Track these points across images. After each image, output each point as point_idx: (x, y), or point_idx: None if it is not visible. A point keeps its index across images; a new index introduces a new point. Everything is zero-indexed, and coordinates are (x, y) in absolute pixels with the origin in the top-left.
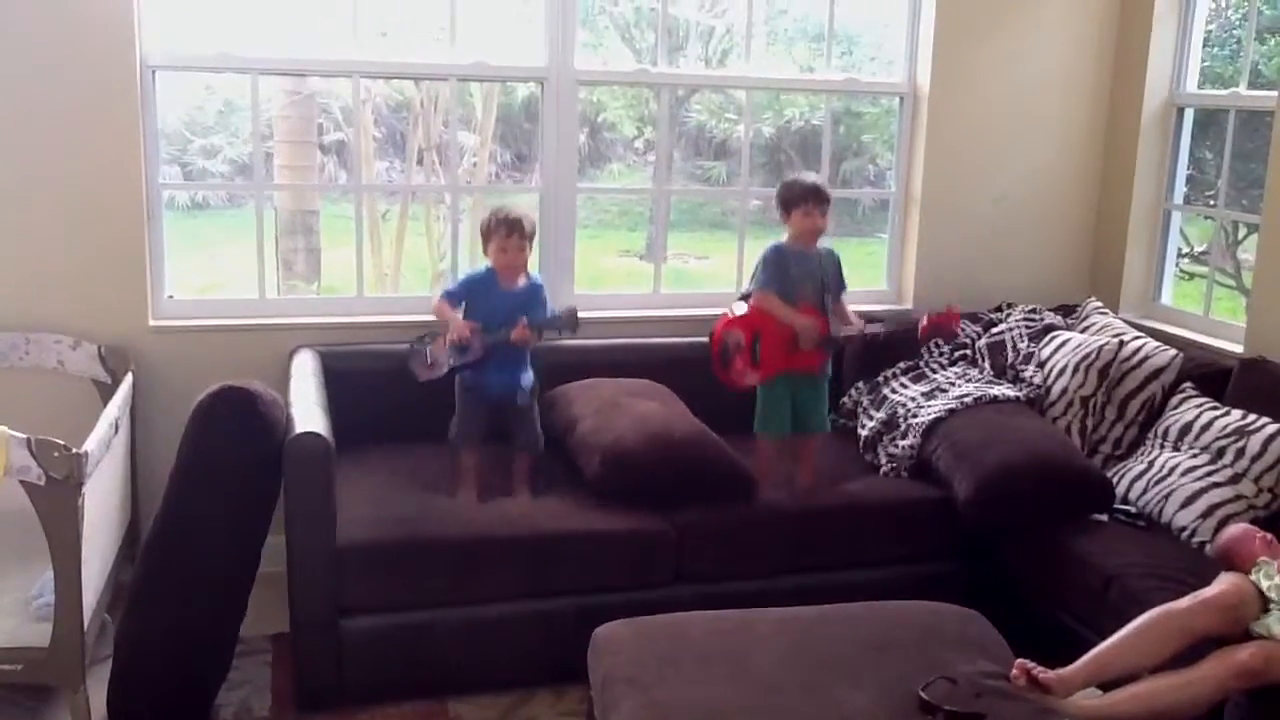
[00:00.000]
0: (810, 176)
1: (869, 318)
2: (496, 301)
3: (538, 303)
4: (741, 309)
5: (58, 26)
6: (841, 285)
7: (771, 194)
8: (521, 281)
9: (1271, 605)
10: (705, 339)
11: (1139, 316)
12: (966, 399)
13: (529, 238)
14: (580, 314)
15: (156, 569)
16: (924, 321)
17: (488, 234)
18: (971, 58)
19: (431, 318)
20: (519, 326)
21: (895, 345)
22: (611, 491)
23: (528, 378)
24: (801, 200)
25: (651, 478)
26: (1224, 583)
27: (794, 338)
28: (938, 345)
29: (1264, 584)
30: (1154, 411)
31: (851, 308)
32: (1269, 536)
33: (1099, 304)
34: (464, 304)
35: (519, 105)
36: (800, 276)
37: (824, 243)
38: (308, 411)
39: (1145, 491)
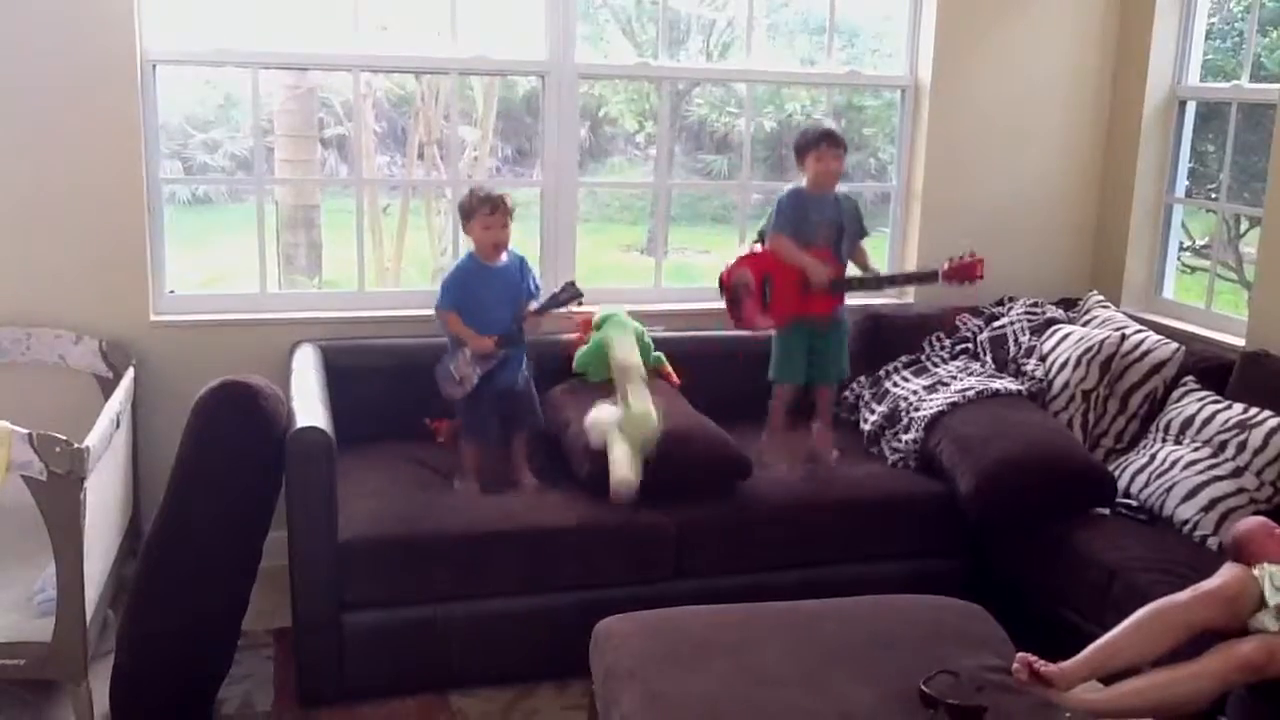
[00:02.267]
0: (824, 122)
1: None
2: (489, 283)
3: (527, 274)
4: (747, 253)
5: (58, 21)
6: (861, 231)
7: (773, 188)
8: (504, 258)
9: (1268, 604)
10: (706, 333)
11: (1141, 310)
12: (968, 393)
13: (510, 213)
14: (582, 308)
15: (158, 564)
16: (945, 267)
17: (469, 212)
18: (973, 51)
19: (425, 313)
20: (527, 317)
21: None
22: (605, 492)
23: (525, 361)
24: (815, 144)
25: (644, 473)
26: (1224, 575)
27: (804, 280)
28: (939, 339)
29: (1267, 586)
30: (1156, 405)
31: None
32: None
33: (1101, 297)
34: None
35: (520, 99)
36: (818, 221)
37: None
38: (309, 406)
39: (1147, 485)
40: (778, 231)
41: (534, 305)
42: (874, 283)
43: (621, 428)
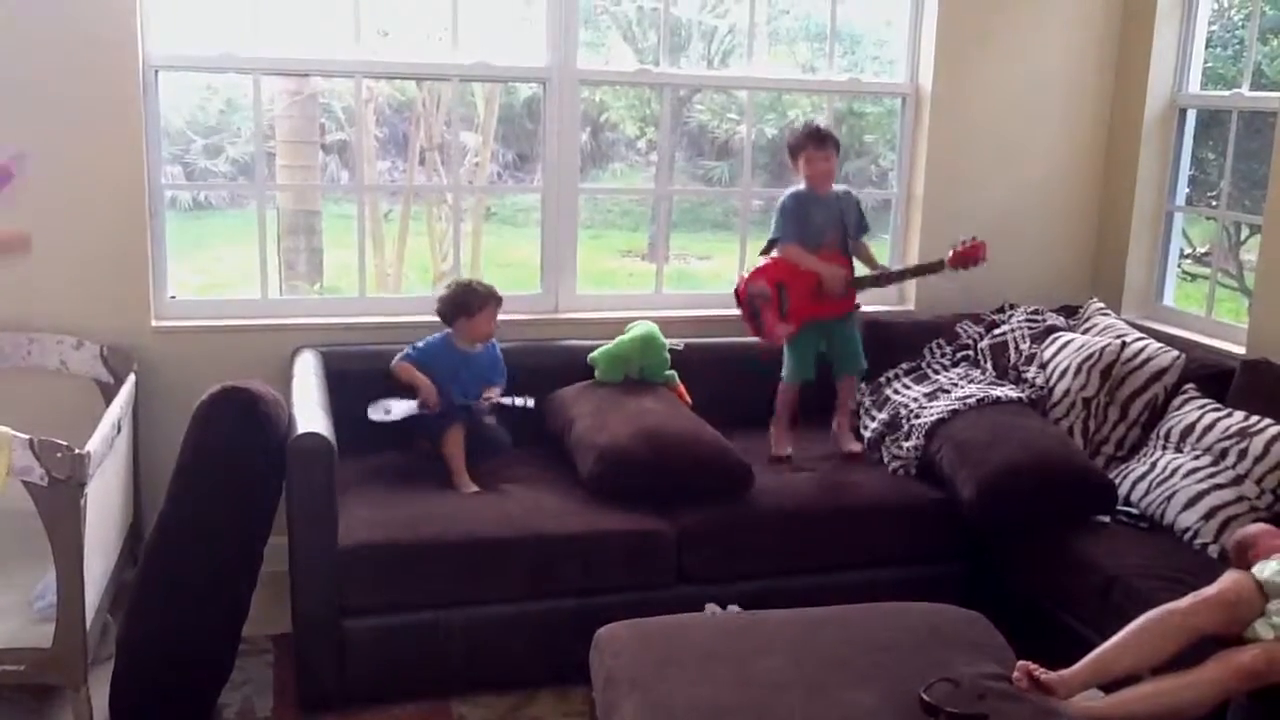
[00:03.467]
0: (814, 121)
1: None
2: (461, 363)
3: (497, 360)
4: (760, 264)
5: (61, 27)
6: (863, 227)
7: (774, 194)
8: (479, 345)
9: (1268, 609)
10: (707, 340)
11: (1141, 317)
12: (969, 400)
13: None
14: (583, 314)
15: (158, 569)
16: (950, 255)
17: (476, 306)
18: (974, 58)
19: (426, 319)
20: (484, 399)
21: (923, 279)
22: (607, 490)
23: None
24: (801, 146)
25: (646, 475)
26: (1224, 581)
27: (819, 284)
28: (940, 346)
29: (1264, 574)
30: (1156, 413)
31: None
32: None
33: (1101, 305)
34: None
35: (521, 105)
36: (822, 221)
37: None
38: (309, 412)
39: (1148, 493)
40: (787, 239)
41: (496, 393)
42: (885, 279)
43: None
